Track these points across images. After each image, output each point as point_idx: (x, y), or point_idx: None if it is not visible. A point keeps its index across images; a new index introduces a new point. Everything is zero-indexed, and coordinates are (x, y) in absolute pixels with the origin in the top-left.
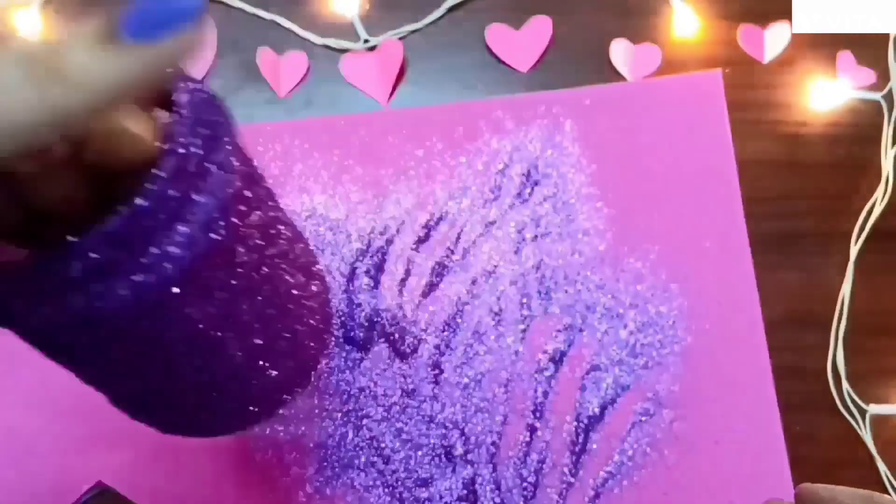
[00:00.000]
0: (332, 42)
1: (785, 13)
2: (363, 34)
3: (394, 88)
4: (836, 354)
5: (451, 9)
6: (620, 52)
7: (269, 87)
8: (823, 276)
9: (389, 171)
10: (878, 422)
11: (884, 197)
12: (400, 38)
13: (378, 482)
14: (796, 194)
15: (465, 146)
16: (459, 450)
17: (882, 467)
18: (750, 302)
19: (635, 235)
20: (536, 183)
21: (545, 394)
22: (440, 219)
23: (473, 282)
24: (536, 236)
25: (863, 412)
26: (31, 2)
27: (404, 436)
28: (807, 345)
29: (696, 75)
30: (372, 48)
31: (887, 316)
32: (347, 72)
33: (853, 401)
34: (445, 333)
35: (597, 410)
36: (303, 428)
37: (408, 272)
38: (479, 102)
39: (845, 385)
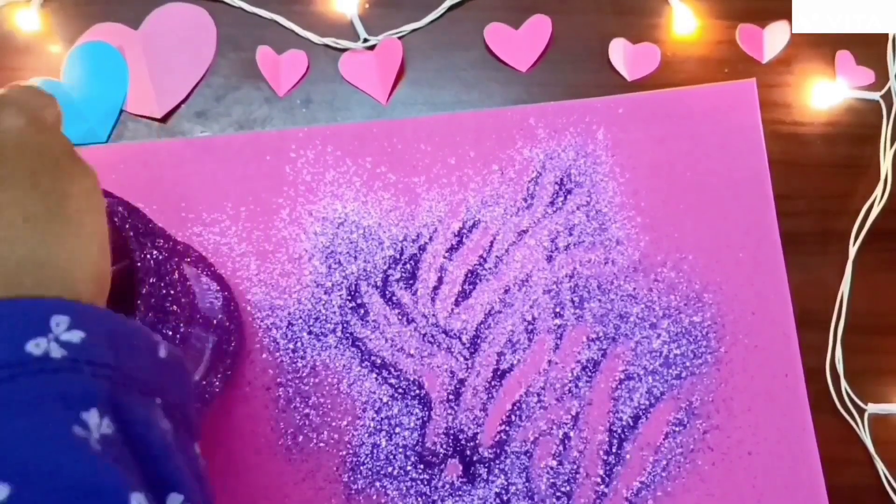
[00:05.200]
0: (331, 41)
1: (784, 13)
2: (363, 33)
3: (393, 87)
4: (835, 354)
5: (451, 8)
6: (619, 51)
7: (268, 86)
8: (822, 276)
9: (422, 178)
10: (877, 421)
11: (882, 196)
12: (399, 38)
13: (411, 490)
14: (795, 194)
15: (497, 154)
16: (491, 459)
17: (880, 466)
18: (783, 312)
19: (668, 244)
20: (569, 191)
21: (578, 403)
22: (472, 227)
23: (506, 290)
24: (569, 245)
25: (861, 411)
26: (32, 1)
27: (433, 445)
28: (806, 344)
29: (729, 84)
30: (371, 47)
31: (886, 315)
32: (347, 71)
33: (852, 400)
34: (477, 342)
35: (630, 420)
36: (336, 435)
37: (440, 280)
38: (512, 110)
39: (844, 384)
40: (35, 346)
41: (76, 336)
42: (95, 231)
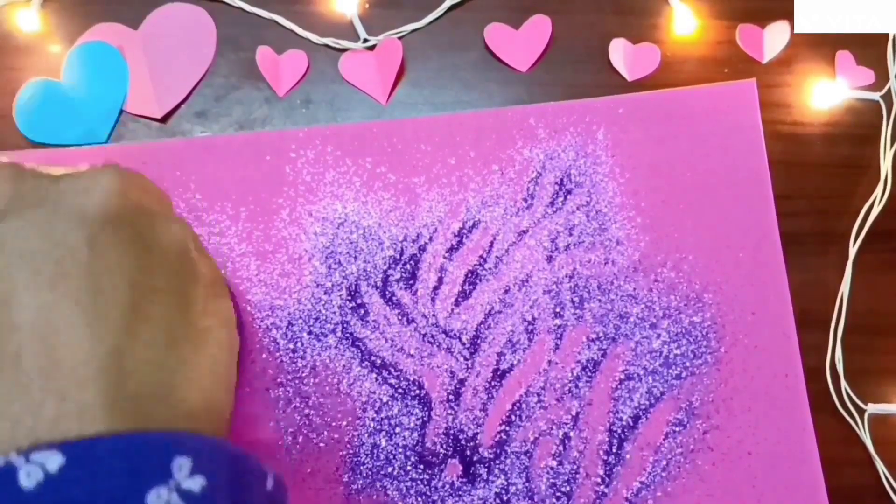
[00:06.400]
0: (331, 41)
1: (784, 13)
2: (363, 33)
3: (393, 87)
4: (835, 354)
5: (451, 8)
6: (619, 51)
7: (268, 86)
8: (822, 276)
9: (422, 178)
10: (877, 421)
11: (882, 197)
12: (399, 38)
13: (411, 490)
14: (794, 194)
15: (497, 154)
16: (491, 459)
17: (880, 466)
18: (783, 312)
19: (668, 245)
20: (569, 192)
21: (578, 403)
22: (472, 227)
23: (506, 290)
24: (569, 245)
25: (861, 411)
26: (32, 1)
27: (433, 445)
28: (805, 344)
29: (729, 85)
30: (371, 47)
31: (886, 316)
32: (347, 71)
33: (851, 400)
34: (477, 342)
35: (630, 420)
36: (336, 436)
37: (440, 280)
38: (512, 110)
39: (844, 384)
40: (157, 498)
41: (197, 484)
42: (220, 365)
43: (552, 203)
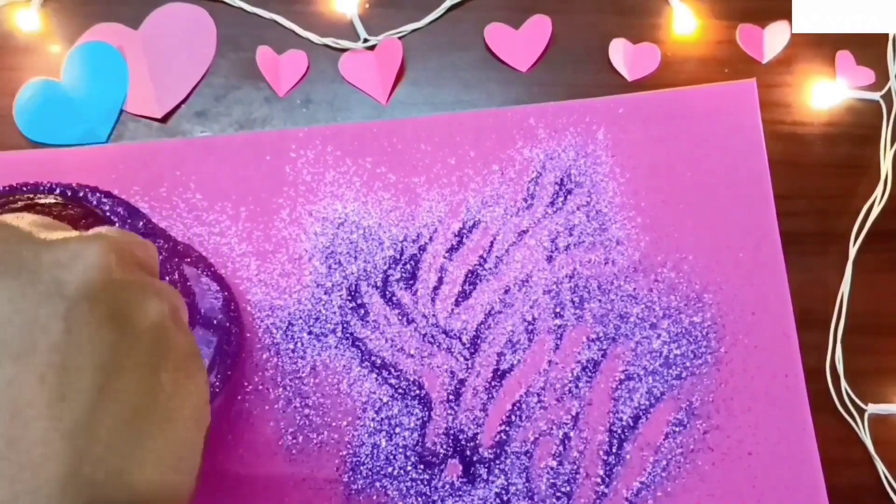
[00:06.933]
0: (331, 41)
1: (784, 13)
2: (363, 33)
3: (393, 87)
4: (835, 354)
5: (451, 8)
6: (619, 51)
7: (268, 86)
8: (822, 276)
9: (422, 178)
10: (877, 421)
11: (882, 196)
12: (399, 38)
13: (411, 490)
14: (795, 194)
15: (497, 154)
16: (491, 459)
17: (880, 466)
18: (783, 312)
19: (668, 245)
20: (569, 192)
21: (578, 403)
22: (472, 227)
23: (506, 290)
24: (569, 245)
25: (861, 411)
26: (32, 1)
27: (434, 445)
28: (806, 344)
29: (730, 85)
30: (371, 47)
31: (886, 316)
32: (347, 71)
33: (852, 400)
34: (477, 342)
35: (630, 420)
36: (336, 436)
37: (440, 280)
38: (512, 110)
39: (844, 384)
40: None
41: None
42: (185, 445)
43: (552, 203)
